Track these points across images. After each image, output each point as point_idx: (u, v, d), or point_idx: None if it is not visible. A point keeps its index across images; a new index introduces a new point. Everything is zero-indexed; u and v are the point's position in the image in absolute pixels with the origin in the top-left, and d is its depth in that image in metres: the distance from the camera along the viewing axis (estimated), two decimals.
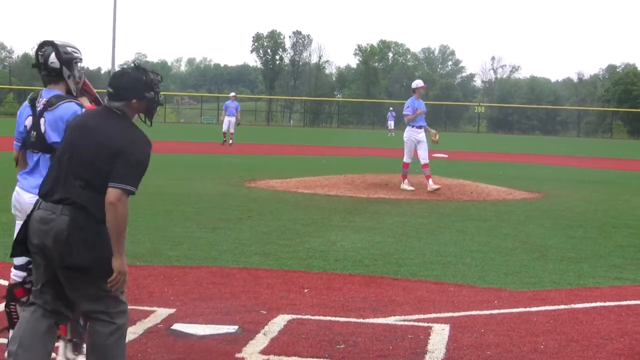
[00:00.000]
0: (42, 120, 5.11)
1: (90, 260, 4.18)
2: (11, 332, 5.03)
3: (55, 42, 5.23)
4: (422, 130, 16.69)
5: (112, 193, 4.17)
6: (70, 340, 5.22)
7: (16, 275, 5.23)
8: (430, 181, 16.30)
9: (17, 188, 5.22)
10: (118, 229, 4.20)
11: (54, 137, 5.06)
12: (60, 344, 5.21)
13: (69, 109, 5.05)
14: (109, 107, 4.37)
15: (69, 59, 5.21)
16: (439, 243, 10.33)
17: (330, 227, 11.41)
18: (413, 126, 16.61)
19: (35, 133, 5.13)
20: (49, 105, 5.12)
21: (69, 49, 5.23)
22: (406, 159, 16.56)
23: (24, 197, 5.12)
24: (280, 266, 8.60)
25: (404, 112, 16.73)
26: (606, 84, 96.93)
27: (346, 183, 16.98)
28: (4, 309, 5.28)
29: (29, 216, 4.37)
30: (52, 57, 5.16)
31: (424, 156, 16.44)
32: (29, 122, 5.18)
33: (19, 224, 5.09)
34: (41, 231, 4.24)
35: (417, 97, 16.67)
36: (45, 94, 5.19)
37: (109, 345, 4.27)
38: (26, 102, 5.25)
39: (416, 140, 16.55)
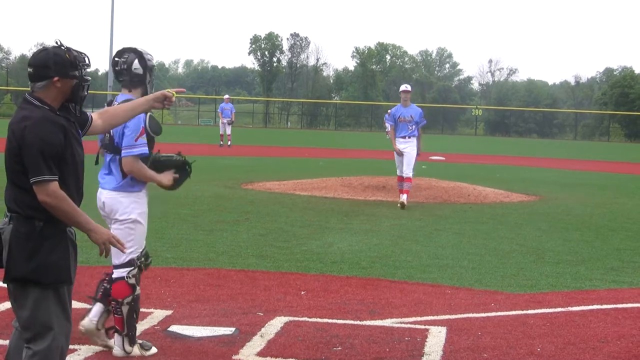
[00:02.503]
0: None
1: (28, 271, 3.89)
2: (98, 305, 5.63)
3: (138, 49, 5.46)
4: (408, 140, 14.72)
5: (37, 191, 3.89)
6: (127, 334, 5.46)
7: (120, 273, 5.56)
8: (404, 197, 14.39)
9: (99, 189, 5.54)
10: (69, 218, 3.94)
11: (117, 139, 5.37)
12: (117, 338, 5.49)
13: None
14: (25, 98, 4.01)
15: (151, 66, 5.47)
16: (435, 246, 10.34)
17: (327, 230, 11.41)
18: (397, 137, 14.83)
19: (108, 135, 5.43)
20: None
21: (149, 56, 5.48)
22: (398, 171, 14.89)
23: (102, 195, 5.50)
24: (277, 268, 8.60)
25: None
26: (603, 87, 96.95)
27: (343, 185, 16.99)
28: (102, 285, 5.72)
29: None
30: (136, 64, 5.40)
31: (405, 169, 14.61)
32: None
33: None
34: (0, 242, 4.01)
35: (403, 104, 14.89)
36: (120, 98, 5.43)
37: None
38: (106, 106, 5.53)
39: (398, 151, 14.73)
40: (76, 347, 5.54)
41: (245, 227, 11.40)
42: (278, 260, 9.00)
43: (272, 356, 5.54)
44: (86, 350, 5.55)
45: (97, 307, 5.67)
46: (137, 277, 5.57)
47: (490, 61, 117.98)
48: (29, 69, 4.00)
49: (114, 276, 5.56)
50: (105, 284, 5.69)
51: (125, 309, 5.49)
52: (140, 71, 5.42)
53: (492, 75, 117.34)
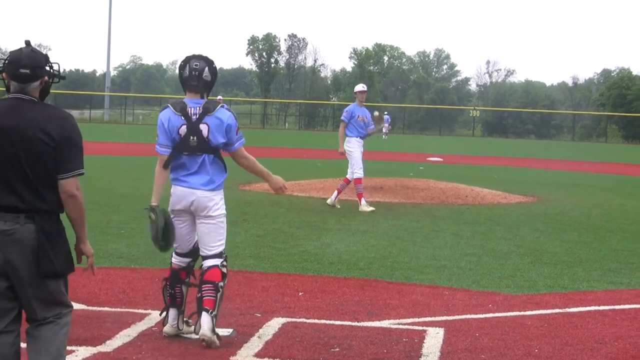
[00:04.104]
0: (202, 127, 5.70)
1: (63, 263, 4.04)
2: (172, 310, 5.92)
3: (208, 57, 5.84)
4: (362, 141, 14.61)
5: (70, 184, 3.98)
6: (216, 315, 5.75)
7: (181, 261, 6.03)
8: (363, 201, 14.14)
9: (181, 188, 5.86)
10: (82, 216, 4.11)
11: (219, 139, 5.70)
12: (205, 318, 5.70)
13: (226, 114, 5.77)
14: (30, 98, 4.01)
15: (216, 72, 5.83)
16: (433, 247, 10.34)
17: (325, 231, 11.42)
18: (352, 136, 14.46)
19: (195, 138, 5.70)
20: (207, 112, 5.71)
21: (215, 64, 5.86)
22: (358, 173, 14.29)
23: (192, 195, 5.80)
24: (274, 269, 8.60)
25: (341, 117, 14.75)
26: (601, 88, 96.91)
27: None
28: (167, 291, 6.00)
29: None
30: (207, 71, 5.76)
31: (360, 169, 14.43)
32: (183, 130, 5.73)
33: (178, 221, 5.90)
34: (1, 243, 3.95)
35: (359, 103, 14.51)
36: (193, 103, 5.76)
37: (61, 343, 4.12)
38: (174, 112, 5.76)
39: (342, 152, 14.62)
40: (74, 348, 5.53)
41: (242, 228, 11.40)
42: (276, 261, 9.00)
43: (269, 357, 5.54)
44: (84, 351, 5.54)
45: (172, 312, 5.98)
46: (227, 266, 5.93)
47: (488, 62, 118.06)
48: (25, 70, 4.00)
49: (207, 264, 5.86)
50: (170, 290, 6.01)
51: (219, 292, 5.78)
52: (209, 78, 5.78)
53: (490, 76, 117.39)
